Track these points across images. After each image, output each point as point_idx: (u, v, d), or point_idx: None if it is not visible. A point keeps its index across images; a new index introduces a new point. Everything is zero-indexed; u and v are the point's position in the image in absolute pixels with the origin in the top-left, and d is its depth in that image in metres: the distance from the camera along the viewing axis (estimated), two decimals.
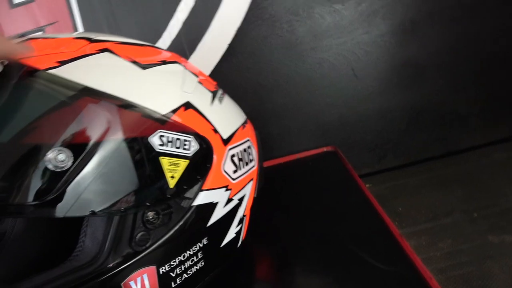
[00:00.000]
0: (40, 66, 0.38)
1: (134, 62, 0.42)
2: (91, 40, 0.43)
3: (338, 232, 0.59)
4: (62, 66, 0.39)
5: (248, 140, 0.53)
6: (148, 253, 0.39)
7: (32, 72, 0.37)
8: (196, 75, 0.49)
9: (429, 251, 0.58)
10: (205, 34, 0.78)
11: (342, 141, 0.87)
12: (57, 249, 0.46)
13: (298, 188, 0.75)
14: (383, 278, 0.47)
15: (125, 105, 0.38)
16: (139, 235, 0.39)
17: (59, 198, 0.34)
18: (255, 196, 0.54)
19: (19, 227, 0.48)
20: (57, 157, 0.34)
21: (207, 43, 0.73)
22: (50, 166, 0.34)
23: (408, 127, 0.90)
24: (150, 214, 0.39)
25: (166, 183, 0.40)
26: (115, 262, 0.37)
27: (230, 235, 0.49)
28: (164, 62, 0.46)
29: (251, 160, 0.53)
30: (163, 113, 0.41)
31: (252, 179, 0.53)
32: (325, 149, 0.87)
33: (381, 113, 0.88)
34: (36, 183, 0.34)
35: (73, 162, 0.34)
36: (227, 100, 0.53)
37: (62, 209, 0.34)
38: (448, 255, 0.63)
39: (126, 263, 0.38)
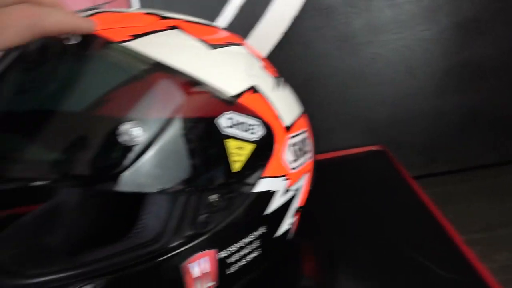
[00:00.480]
0: (114, 38, 0.38)
1: (203, 41, 0.41)
2: (161, 17, 0.43)
3: (391, 235, 0.56)
4: (136, 40, 0.38)
5: (306, 130, 0.52)
6: (210, 236, 0.38)
7: (107, 43, 0.36)
8: (260, 60, 0.48)
9: (483, 262, 0.54)
10: (261, 21, 0.76)
11: (390, 140, 0.84)
12: (112, 223, 0.45)
13: (344, 186, 0.72)
14: (446, 286, 0.44)
15: (195, 83, 0.37)
16: (202, 216, 0.38)
17: (130, 172, 0.33)
18: (310, 189, 0.53)
19: (73, 200, 0.48)
20: (130, 131, 0.33)
21: (261, 31, 0.71)
22: (122, 140, 0.33)
23: (462, 132, 0.85)
24: (213, 197, 0.38)
25: (230, 166, 0.39)
26: (178, 242, 0.37)
27: (284, 226, 0.48)
28: (230, 44, 0.45)
29: (307, 152, 0.51)
30: (230, 94, 0.40)
31: (308, 171, 0.51)
32: (372, 147, 0.85)
33: (435, 115, 0.84)
34: (107, 156, 0.33)
35: (145, 138, 0.34)
36: (287, 88, 0.51)
37: (131, 184, 0.33)
38: (505, 268, 0.59)
39: (188, 244, 0.37)
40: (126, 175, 0.33)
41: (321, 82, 0.82)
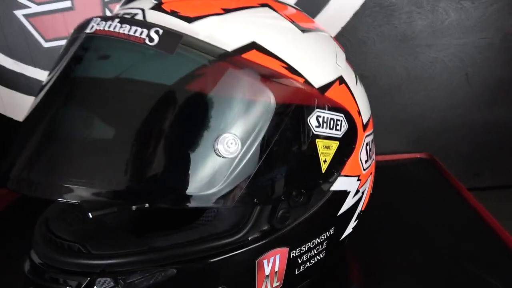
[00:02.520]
0: (206, 11, 0.35)
1: (294, 23, 0.39)
2: None
3: (448, 247, 0.53)
4: (227, 14, 0.35)
5: (373, 131, 0.49)
6: (286, 232, 0.36)
7: (185, 39, 0.31)
8: (343, 51, 0.45)
9: None
10: (321, 12, 0.73)
11: (437, 148, 0.80)
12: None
13: (392, 192, 0.69)
14: None
15: (291, 69, 0.35)
16: (281, 212, 0.35)
17: (229, 188, 0.31)
18: (371, 192, 0.50)
19: None
20: (228, 143, 0.31)
21: (321, 22, 0.68)
22: (220, 154, 0.30)
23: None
24: (294, 192, 0.36)
25: (320, 167, 0.36)
26: (255, 236, 0.34)
27: (349, 229, 0.45)
28: (318, 29, 0.42)
29: (373, 153, 0.49)
30: (320, 84, 0.37)
31: (371, 173, 0.49)
32: (420, 155, 0.82)
33: (487, 126, 0.81)
34: (205, 171, 0.30)
35: (241, 149, 0.31)
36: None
37: (230, 199, 0.31)
38: None
39: (265, 239, 0.35)
40: (226, 191, 0.31)
41: (374, 82, 0.79)
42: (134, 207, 0.30)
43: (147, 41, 0.31)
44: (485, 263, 0.50)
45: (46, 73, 0.86)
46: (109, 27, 0.33)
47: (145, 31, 0.32)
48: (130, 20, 0.33)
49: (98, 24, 0.34)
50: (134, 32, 0.32)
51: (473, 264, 0.49)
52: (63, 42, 0.83)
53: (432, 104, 0.81)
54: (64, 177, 0.30)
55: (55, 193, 0.30)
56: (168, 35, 0.31)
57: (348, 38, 0.76)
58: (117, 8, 0.43)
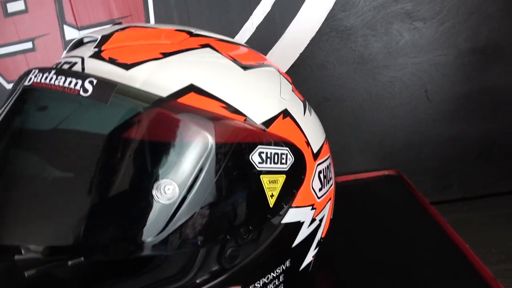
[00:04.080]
0: (144, 56, 0.36)
1: (235, 61, 0.40)
2: (192, 34, 0.41)
3: (414, 266, 0.54)
4: (166, 58, 0.36)
5: (329, 156, 0.50)
6: (236, 271, 0.36)
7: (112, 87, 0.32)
8: (289, 82, 0.46)
9: None
10: (278, 41, 0.75)
11: (404, 165, 0.82)
12: None
13: (359, 210, 0.70)
14: None
15: (231, 109, 0.35)
16: (229, 250, 0.35)
17: (169, 233, 0.31)
18: (331, 218, 0.51)
19: None
20: (165, 189, 0.31)
21: (278, 51, 0.70)
22: (157, 200, 0.30)
23: (478, 159, 0.84)
24: (242, 230, 0.36)
25: (267, 203, 0.36)
26: (204, 278, 0.34)
27: (308, 258, 0.45)
28: (261, 64, 0.43)
29: (331, 178, 0.49)
30: (263, 120, 0.38)
31: (330, 199, 0.49)
32: (387, 172, 0.83)
33: (451, 141, 0.83)
34: (144, 218, 0.30)
35: (179, 193, 0.31)
36: (313, 112, 0.50)
37: (172, 245, 0.31)
38: None
39: (214, 280, 0.34)
40: (168, 236, 0.31)
41: (336, 104, 0.81)
42: (70, 263, 0.30)
43: (81, 92, 0.32)
44: (448, 279, 0.51)
45: None
46: (45, 79, 0.33)
47: (79, 82, 0.32)
48: (65, 71, 0.33)
49: (35, 76, 0.34)
50: (69, 84, 0.32)
51: (436, 281, 0.50)
52: None
53: (395, 122, 0.83)
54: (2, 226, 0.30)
55: None
56: (102, 85, 0.32)
57: (308, 63, 0.78)
58: (62, 55, 0.44)
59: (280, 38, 0.75)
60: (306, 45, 0.76)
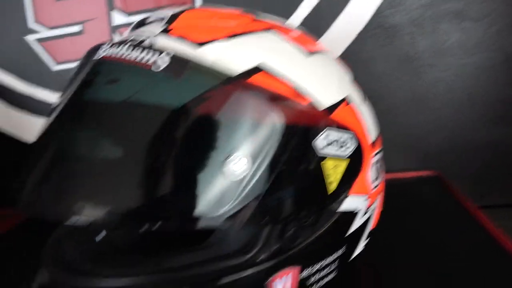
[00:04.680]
0: (213, 36, 0.36)
1: (298, 47, 0.40)
2: (256, 18, 0.41)
3: (459, 273, 0.50)
4: (234, 39, 0.36)
5: (382, 149, 0.49)
6: (296, 251, 0.36)
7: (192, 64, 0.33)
8: (348, 70, 0.46)
9: None
10: (323, 35, 0.75)
11: (444, 168, 0.80)
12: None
13: (398, 211, 0.68)
14: None
15: (296, 91, 0.35)
16: (290, 232, 0.35)
17: (237, 209, 0.31)
18: (382, 211, 0.50)
19: None
20: (238, 165, 0.31)
21: (324, 44, 0.69)
22: (226, 175, 0.31)
23: None
24: (302, 213, 0.36)
25: (327, 188, 0.36)
26: (265, 256, 0.34)
27: (359, 248, 0.45)
28: (322, 51, 0.43)
29: (382, 171, 0.49)
30: (327, 105, 0.38)
31: (381, 192, 0.48)
32: (427, 173, 0.81)
33: (494, 145, 0.81)
34: (214, 192, 0.31)
35: (249, 170, 0.31)
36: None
37: (239, 220, 0.32)
38: None
39: (274, 259, 0.34)
40: (237, 212, 0.31)
41: (378, 102, 0.79)
42: (142, 229, 0.30)
43: (154, 67, 0.32)
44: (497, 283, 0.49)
45: (55, 95, 0.88)
46: (117, 52, 0.34)
47: (153, 56, 0.32)
48: (138, 46, 0.34)
49: (107, 49, 0.35)
50: (143, 58, 0.33)
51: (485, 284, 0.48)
52: (72, 65, 0.85)
53: (438, 123, 0.81)
54: (73, 199, 0.31)
55: (64, 216, 0.30)
56: (176, 60, 0.32)
57: (352, 59, 0.76)
58: (126, 33, 0.44)
59: (326, 32, 0.75)
60: (351, 41, 0.76)
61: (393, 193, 0.75)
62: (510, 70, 0.78)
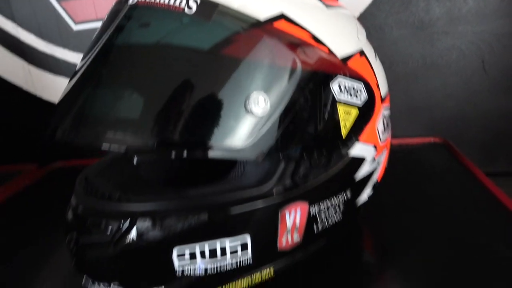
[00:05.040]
0: None
1: (319, 0, 0.42)
2: None
3: (465, 235, 0.52)
4: None
5: (389, 108, 0.52)
6: (307, 188, 0.39)
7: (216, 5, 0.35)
8: (363, 27, 0.48)
9: None
10: None
11: (453, 135, 0.82)
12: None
13: (406, 174, 0.71)
14: None
15: (315, 39, 0.38)
16: (303, 169, 0.38)
17: (257, 143, 0.34)
18: (386, 167, 0.53)
19: None
20: (258, 101, 0.34)
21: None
22: (249, 110, 0.34)
23: None
24: (316, 152, 0.39)
25: (340, 131, 0.39)
26: (279, 189, 0.37)
27: (363, 197, 0.48)
28: (340, 7, 0.45)
29: (389, 128, 0.51)
30: (343, 55, 0.40)
31: (386, 147, 0.51)
32: (434, 139, 0.83)
33: (504, 114, 0.82)
34: (237, 126, 0.34)
35: (270, 108, 0.34)
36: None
37: (259, 153, 0.34)
38: None
39: (289, 192, 0.38)
40: (255, 144, 0.34)
41: (390, 67, 0.82)
42: (173, 156, 0.33)
43: (186, 10, 0.35)
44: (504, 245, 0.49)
45: (75, 54, 0.90)
46: None
47: (184, 0, 0.35)
48: None
49: None
50: (174, 2, 0.35)
51: (490, 245, 0.49)
52: (92, 25, 0.87)
53: (448, 91, 0.83)
54: (111, 128, 0.34)
55: (103, 143, 0.34)
56: (205, 4, 0.35)
57: (366, 25, 0.77)
58: None
59: None
60: (366, 6, 0.77)
61: (401, 157, 0.78)
62: None
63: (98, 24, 0.83)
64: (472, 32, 0.78)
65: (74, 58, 0.87)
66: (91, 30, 0.85)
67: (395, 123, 0.87)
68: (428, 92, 0.83)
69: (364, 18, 0.78)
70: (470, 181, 0.68)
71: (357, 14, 0.77)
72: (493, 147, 0.85)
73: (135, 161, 0.38)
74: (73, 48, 0.87)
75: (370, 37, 0.79)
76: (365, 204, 0.50)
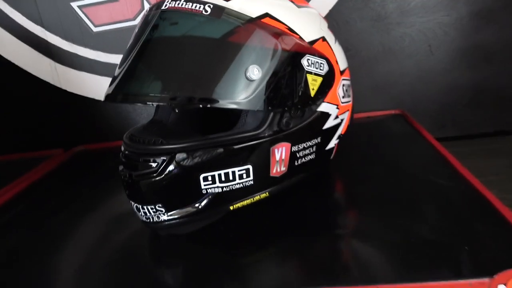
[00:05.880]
0: None
1: (293, 2, 0.59)
2: None
3: (413, 177, 0.68)
4: None
5: (349, 80, 0.69)
6: (289, 132, 0.57)
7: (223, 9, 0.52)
8: (326, 21, 0.66)
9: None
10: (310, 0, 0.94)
11: (409, 107, 1.01)
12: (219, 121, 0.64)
13: (371, 138, 0.89)
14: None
15: (291, 30, 0.55)
16: (285, 119, 0.56)
17: (255, 97, 0.52)
18: (349, 124, 0.71)
19: (173, 117, 0.67)
20: (254, 71, 0.51)
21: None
22: (249, 77, 0.51)
23: (468, 103, 1.02)
24: (293, 107, 0.56)
25: (310, 93, 0.57)
26: (269, 132, 0.55)
27: (331, 144, 0.66)
28: (307, 6, 0.63)
29: (350, 95, 0.69)
30: (310, 39, 0.58)
31: (348, 110, 0.69)
32: (394, 111, 1.02)
33: (448, 88, 1.01)
34: (241, 87, 0.51)
35: (262, 75, 0.52)
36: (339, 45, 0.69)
37: (255, 105, 0.52)
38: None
39: (276, 135, 0.56)
40: (253, 99, 0.52)
41: (356, 54, 1.00)
42: (201, 105, 0.51)
43: (203, 12, 0.52)
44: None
45: (95, 52, 1.06)
46: (177, 4, 0.54)
47: (202, 6, 0.52)
48: (189, 0, 0.53)
49: (170, 2, 0.54)
50: (195, 7, 0.52)
51: (427, 178, 0.66)
52: (109, 27, 1.03)
53: (403, 71, 1.02)
54: (153, 90, 0.52)
55: (148, 100, 0.52)
56: (216, 7, 0.52)
57: (335, 20, 0.97)
58: None
59: None
60: (334, 4, 0.95)
61: (367, 127, 0.97)
62: (462, 26, 0.98)
63: (114, 26, 1.00)
64: (419, 22, 0.97)
65: (94, 55, 1.04)
66: (108, 31, 1.01)
67: (362, 99, 1.06)
68: (388, 73, 1.02)
69: (333, 14, 0.96)
70: (422, 144, 0.83)
71: (327, 11, 0.96)
72: (441, 115, 1.04)
73: (174, 121, 0.56)
74: (93, 47, 1.04)
75: (338, 29, 0.99)
76: (333, 150, 0.68)
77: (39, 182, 0.91)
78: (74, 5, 0.99)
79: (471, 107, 1.03)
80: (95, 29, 1.02)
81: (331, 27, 0.66)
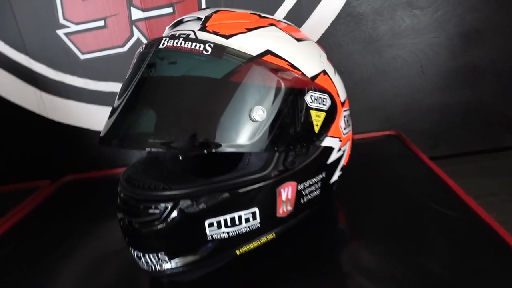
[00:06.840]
0: (236, 30, 0.54)
1: (292, 36, 0.58)
2: (261, 16, 0.59)
3: (410, 197, 0.71)
4: (249, 32, 0.55)
5: (349, 110, 0.69)
6: (294, 171, 0.55)
7: (226, 49, 0.51)
8: (325, 52, 0.65)
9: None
10: (304, 23, 0.93)
11: (402, 127, 1.01)
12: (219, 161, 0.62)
13: (368, 162, 0.88)
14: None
15: (292, 66, 0.54)
16: (290, 158, 0.54)
17: (259, 140, 0.50)
18: (350, 154, 0.70)
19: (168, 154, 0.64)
20: (258, 112, 0.50)
21: (305, 31, 0.88)
22: (253, 119, 0.49)
23: (461, 122, 1.03)
24: (298, 145, 0.55)
25: (314, 129, 0.56)
26: (275, 173, 0.54)
27: (335, 177, 0.65)
28: (307, 39, 0.62)
29: (350, 125, 0.68)
30: (311, 75, 0.57)
31: (349, 140, 0.68)
32: (389, 132, 1.02)
33: (440, 107, 1.02)
34: (246, 130, 0.49)
35: (266, 116, 0.50)
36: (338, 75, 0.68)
37: (260, 147, 0.50)
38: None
39: (282, 175, 0.54)
40: (258, 141, 0.50)
41: (349, 76, 1.00)
42: (205, 151, 0.49)
43: (204, 52, 0.50)
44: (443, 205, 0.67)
45: (82, 80, 1.03)
46: (176, 43, 0.52)
47: (202, 45, 0.50)
48: (190, 38, 0.52)
49: (167, 41, 0.52)
50: (195, 46, 0.51)
51: (427, 206, 0.67)
52: (97, 54, 1.00)
53: (396, 92, 1.02)
54: (156, 137, 0.49)
55: (147, 146, 0.49)
56: (217, 47, 0.50)
57: (327, 42, 0.97)
58: (167, 30, 0.61)
59: (306, 21, 0.93)
60: (326, 27, 0.95)
61: (363, 149, 0.96)
62: (452, 46, 0.99)
63: (103, 53, 0.97)
64: (411, 43, 0.98)
65: (81, 83, 1.00)
66: (96, 59, 0.98)
67: (357, 121, 1.06)
68: (381, 93, 1.02)
69: (326, 37, 0.96)
70: (417, 164, 0.85)
71: (320, 34, 0.95)
72: (435, 134, 1.05)
73: (174, 160, 0.53)
74: (81, 74, 1.00)
75: (331, 52, 0.98)
76: (336, 183, 0.67)
77: (26, 219, 0.87)
78: (60, 32, 0.96)
79: (463, 126, 1.04)
80: (82, 57, 0.99)
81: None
